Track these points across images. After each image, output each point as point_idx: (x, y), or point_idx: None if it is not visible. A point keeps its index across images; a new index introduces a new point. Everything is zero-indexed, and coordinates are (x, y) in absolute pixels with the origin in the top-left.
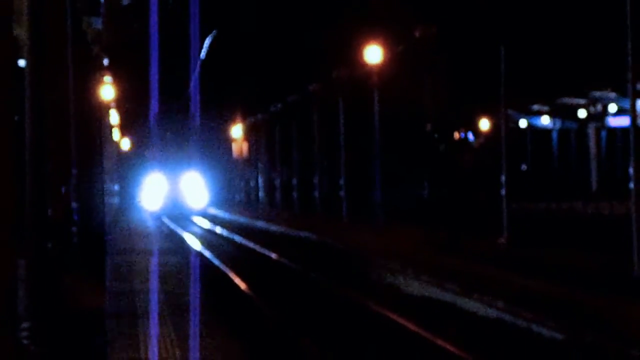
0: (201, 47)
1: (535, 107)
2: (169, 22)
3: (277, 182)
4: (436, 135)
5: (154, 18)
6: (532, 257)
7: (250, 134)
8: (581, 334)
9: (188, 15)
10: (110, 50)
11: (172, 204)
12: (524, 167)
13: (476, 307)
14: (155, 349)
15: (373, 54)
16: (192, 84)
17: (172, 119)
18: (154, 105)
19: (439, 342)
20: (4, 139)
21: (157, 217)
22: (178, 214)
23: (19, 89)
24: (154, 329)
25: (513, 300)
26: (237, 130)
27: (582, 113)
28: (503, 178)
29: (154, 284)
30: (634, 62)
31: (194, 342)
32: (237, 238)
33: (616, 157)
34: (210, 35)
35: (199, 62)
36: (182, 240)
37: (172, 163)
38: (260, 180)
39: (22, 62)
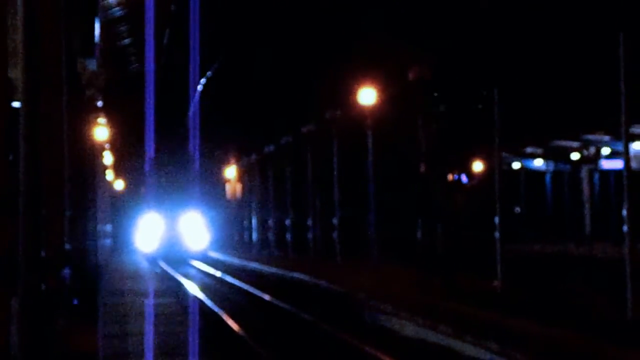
0: (196, 88)
1: (529, 149)
2: (164, 62)
3: (272, 223)
4: (429, 167)
5: (149, 60)
6: (527, 300)
7: (243, 174)
8: None
9: (182, 57)
10: (104, 91)
11: (169, 246)
12: (517, 209)
13: (470, 349)
14: None
15: (367, 95)
16: (190, 124)
17: (170, 159)
18: (149, 147)
19: None
20: None
21: (153, 260)
22: (176, 256)
23: (14, 129)
24: None
25: (507, 343)
26: (230, 172)
27: (575, 156)
28: (497, 220)
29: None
30: (627, 106)
31: None
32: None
33: (610, 200)
34: (204, 78)
35: (197, 102)
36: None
37: (169, 203)
38: (253, 221)
39: (16, 104)
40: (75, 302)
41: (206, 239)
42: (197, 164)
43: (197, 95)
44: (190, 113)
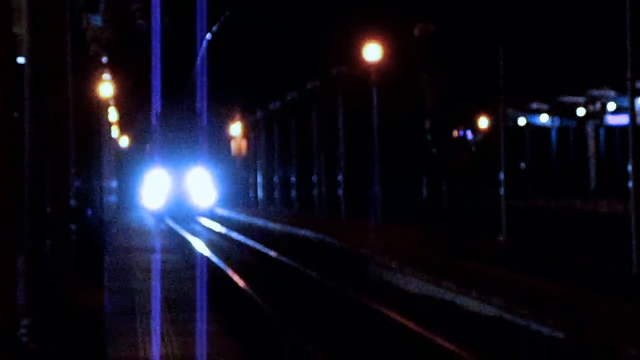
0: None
1: (534, 105)
2: (170, 18)
3: (277, 180)
4: (429, 137)
5: (156, 15)
6: (531, 255)
7: (248, 131)
8: (580, 333)
9: (188, 12)
10: (109, 47)
11: (176, 203)
12: (522, 165)
13: (474, 304)
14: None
15: (372, 52)
16: (198, 81)
17: (177, 115)
18: (156, 103)
19: (437, 339)
20: (3, 137)
21: (159, 217)
22: (182, 213)
23: (18, 86)
24: (152, 326)
25: (511, 298)
26: (236, 128)
27: (580, 111)
28: (502, 176)
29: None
30: (633, 60)
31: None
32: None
33: (615, 156)
34: (209, 32)
35: (204, 57)
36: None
37: (176, 159)
38: (259, 179)
39: (21, 60)
40: (81, 258)
41: (213, 195)
42: (204, 120)
43: (203, 50)
44: (197, 68)
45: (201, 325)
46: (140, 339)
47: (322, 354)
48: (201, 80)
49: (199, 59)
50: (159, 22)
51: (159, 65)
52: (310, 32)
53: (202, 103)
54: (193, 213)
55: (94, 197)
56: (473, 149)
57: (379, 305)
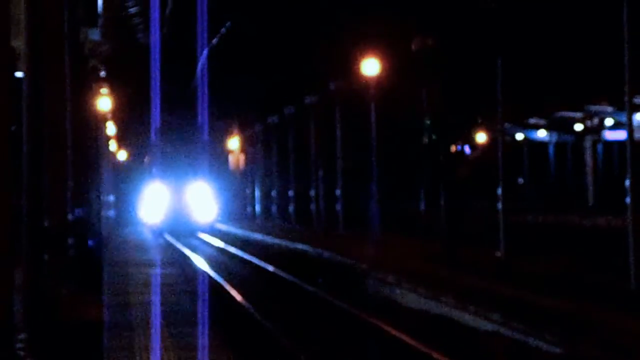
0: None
1: (532, 120)
2: (169, 31)
3: (275, 194)
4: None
5: (155, 29)
6: (529, 270)
7: (246, 145)
8: (578, 348)
9: (187, 26)
10: (107, 61)
11: (175, 218)
12: (520, 180)
13: (471, 319)
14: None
15: (370, 66)
16: (198, 94)
17: (177, 128)
18: (155, 117)
19: (434, 354)
20: (1, 150)
21: (158, 233)
22: (182, 229)
23: (16, 100)
24: (150, 341)
25: (509, 313)
26: (234, 142)
27: (578, 127)
28: (500, 191)
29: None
30: (630, 76)
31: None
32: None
33: (613, 171)
34: (206, 47)
35: (205, 69)
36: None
37: (176, 174)
38: (256, 193)
39: (19, 74)
40: (79, 271)
41: (214, 210)
42: (205, 134)
43: (204, 63)
44: (197, 80)
45: (200, 339)
46: (138, 353)
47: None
48: (202, 94)
49: (199, 71)
50: (158, 37)
51: (158, 79)
52: (309, 47)
53: (202, 116)
54: (193, 228)
55: (92, 211)
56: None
57: (376, 319)
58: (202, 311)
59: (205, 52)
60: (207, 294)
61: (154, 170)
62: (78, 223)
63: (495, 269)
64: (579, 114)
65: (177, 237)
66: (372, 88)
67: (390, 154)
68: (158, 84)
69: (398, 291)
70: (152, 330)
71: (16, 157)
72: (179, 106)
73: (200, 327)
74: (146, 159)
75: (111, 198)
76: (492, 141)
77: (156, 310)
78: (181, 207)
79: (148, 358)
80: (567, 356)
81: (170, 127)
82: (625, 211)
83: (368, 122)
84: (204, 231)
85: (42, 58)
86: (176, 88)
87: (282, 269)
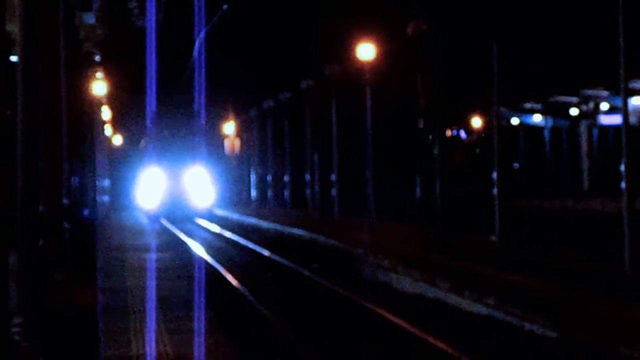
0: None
1: (528, 105)
2: (165, 15)
3: (270, 179)
4: (430, 137)
5: (151, 13)
6: (523, 255)
7: (242, 130)
8: (572, 333)
9: (181, 10)
10: (102, 46)
11: (173, 203)
12: (516, 165)
13: (466, 304)
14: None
15: (365, 51)
16: (195, 78)
17: (173, 113)
18: (151, 101)
19: (430, 338)
20: None
21: (155, 218)
22: (180, 214)
23: (11, 84)
24: (146, 324)
25: (503, 297)
26: (229, 127)
27: (574, 111)
28: (495, 176)
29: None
30: (625, 60)
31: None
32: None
33: (608, 155)
34: (207, 26)
35: (202, 53)
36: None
37: (172, 157)
38: (252, 178)
39: (14, 58)
40: (74, 256)
41: (212, 195)
42: (202, 118)
43: (202, 47)
44: (194, 63)
45: (195, 323)
46: (134, 337)
47: (313, 352)
48: (199, 78)
49: (196, 54)
50: (154, 20)
51: (154, 63)
52: (304, 31)
53: (199, 101)
54: (190, 213)
55: (87, 196)
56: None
57: (371, 303)
58: (197, 295)
59: (202, 34)
60: (202, 279)
61: (150, 154)
62: (73, 207)
63: (490, 254)
64: (574, 99)
65: (173, 222)
66: (368, 73)
67: (385, 138)
68: (154, 68)
69: (393, 276)
70: (147, 314)
71: (11, 142)
72: (174, 90)
73: (194, 311)
74: (142, 144)
75: (106, 183)
76: (487, 126)
77: (150, 294)
78: (178, 192)
79: (143, 341)
80: (562, 340)
81: (167, 111)
82: (620, 196)
83: (363, 107)
84: (201, 216)
85: (36, 42)
86: (171, 72)
87: (277, 254)
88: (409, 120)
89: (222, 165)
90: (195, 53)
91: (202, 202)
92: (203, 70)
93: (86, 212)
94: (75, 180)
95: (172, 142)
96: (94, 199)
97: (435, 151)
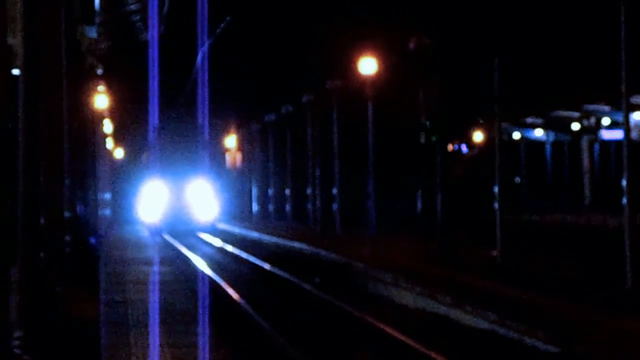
0: (200, 56)
1: (529, 119)
2: (167, 29)
3: (271, 193)
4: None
5: (153, 27)
6: (525, 269)
7: (243, 144)
8: (573, 347)
9: (185, 23)
10: (104, 59)
11: (175, 217)
12: (517, 179)
13: (467, 318)
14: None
15: (367, 65)
16: (198, 91)
17: (176, 126)
18: (154, 115)
19: (432, 353)
20: None
21: (156, 232)
22: (182, 229)
23: (13, 97)
24: (147, 338)
25: (505, 312)
26: (230, 141)
27: (575, 126)
28: (496, 190)
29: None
30: (627, 76)
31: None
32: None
33: (609, 170)
34: (210, 38)
35: (205, 65)
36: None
37: (175, 171)
38: (253, 192)
39: (16, 71)
40: (75, 269)
41: (216, 209)
42: (205, 131)
43: (204, 61)
44: (197, 75)
45: (196, 337)
46: (135, 350)
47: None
48: (202, 90)
49: (199, 63)
50: (156, 33)
51: (156, 76)
52: (306, 45)
53: (202, 114)
54: (193, 228)
55: (88, 208)
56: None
57: (373, 318)
58: (199, 309)
59: (206, 46)
60: (202, 292)
61: (152, 168)
62: (74, 221)
63: (491, 268)
64: (576, 114)
65: (175, 236)
66: (369, 87)
67: (387, 153)
68: (156, 81)
69: (394, 290)
70: (148, 327)
71: (13, 155)
72: (176, 104)
73: (196, 325)
74: (144, 157)
75: (107, 196)
76: (489, 140)
77: (152, 307)
78: (181, 206)
79: (145, 355)
80: (564, 355)
81: (170, 125)
82: (621, 211)
83: (365, 121)
84: (204, 231)
85: (39, 56)
86: (173, 86)
87: (278, 268)
88: (410, 135)
89: (223, 178)
90: (198, 62)
91: (206, 216)
92: (206, 81)
93: (93, 240)
94: (80, 209)
95: (175, 155)
96: (95, 211)
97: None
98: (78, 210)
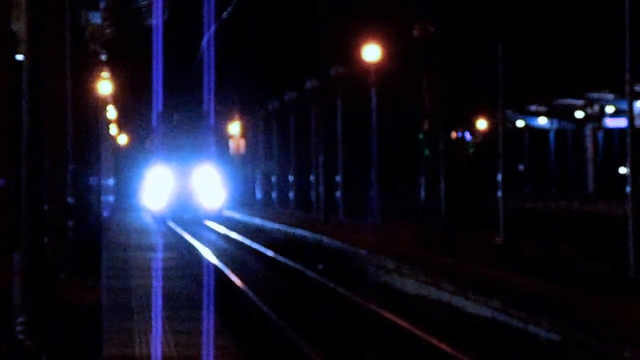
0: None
1: (533, 107)
2: (172, 15)
3: (275, 180)
4: (421, 137)
5: (158, 12)
6: (528, 257)
7: (247, 130)
8: (575, 335)
9: (190, 9)
10: (108, 45)
11: (180, 204)
12: (521, 167)
13: (470, 305)
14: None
15: (371, 52)
16: (204, 77)
17: (181, 112)
18: (158, 101)
19: (433, 340)
20: (1, 134)
21: (161, 220)
22: (188, 216)
23: (17, 83)
24: (150, 324)
25: (507, 300)
26: (234, 127)
27: (579, 114)
28: (500, 177)
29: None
30: (631, 64)
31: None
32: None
33: (613, 158)
34: (208, 31)
35: (213, 50)
36: None
37: (182, 157)
38: (257, 179)
39: (19, 57)
40: (78, 255)
41: (222, 196)
42: (211, 118)
43: (210, 45)
44: (203, 58)
45: (199, 323)
46: (138, 336)
47: (317, 352)
48: (208, 75)
49: (204, 50)
50: (161, 18)
51: (160, 61)
52: (310, 32)
53: (209, 99)
54: (199, 216)
55: (92, 195)
56: (471, 150)
57: (375, 305)
58: (202, 295)
59: (212, 30)
60: (205, 279)
61: (157, 154)
62: (78, 207)
63: (495, 255)
64: (579, 101)
65: (180, 224)
66: (373, 74)
67: (391, 140)
68: (160, 67)
69: (397, 277)
70: (151, 314)
71: (16, 141)
72: (181, 90)
73: (198, 311)
74: (148, 143)
75: (111, 183)
76: (492, 128)
77: (155, 293)
78: (187, 193)
79: (147, 341)
80: (566, 343)
81: (176, 110)
82: (624, 199)
83: (369, 108)
84: (211, 219)
85: (42, 41)
86: (177, 72)
87: (282, 254)
88: (414, 122)
89: (227, 165)
90: (204, 45)
91: (212, 204)
92: (212, 66)
93: (96, 226)
94: (84, 195)
95: (180, 140)
96: (98, 197)
97: (426, 152)
98: (81, 197)
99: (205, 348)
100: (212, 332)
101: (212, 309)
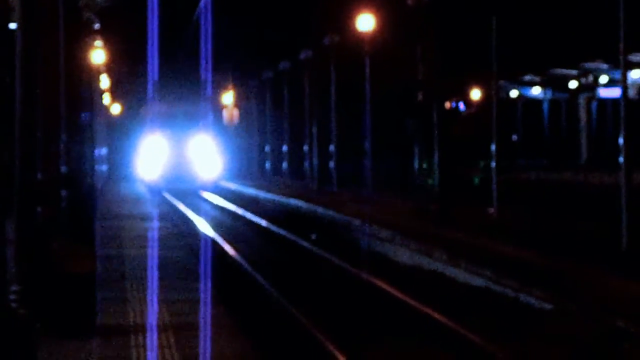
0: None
1: (527, 77)
2: None
3: (268, 150)
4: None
5: None
6: (521, 227)
7: (241, 100)
8: (567, 305)
9: None
10: (101, 13)
11: (176, 174)
12: (514, 137)
13: (461, 274)
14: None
15: (365, 21)
16: (201, 46)
17: (177, 82)
18: (153, 70)
19: (426, 309)
20: None
21: (156, 190)
22: (183, 186)
23: (10, 51)
24: (143, 293)
25: (500, 270)
26: (228, 97)
27: (573, 84)
28: (493, 148)
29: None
30: (625, 33)
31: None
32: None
33: (606, 128)
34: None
35: (209, 21)
36: None
37: (177, 126)
38: (250, 149)
39: (13, 25)
40: (71, 224)
41: (219, 166)
42: (208, 87)
43: (207, 12)
44: (200, 32)
45: (193, 292)
46: (130, 304)
47: (311, 321)
48: (205, 42)
49: (200, 15)
50: None
51: (155, 31)
52: (303, 1)
53: (206, 67)
54: (195, 186)
55: (85, 164)
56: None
57: (368, 274)
58: (194, 264)
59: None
60: (199, 248)
61: (152, 123)
62: (71, 176)
63: (488, 226)
64: (573, 71)
65: (174, 194)
66: (367, 44)
67: (384, 110)
68: (156, 35)
69: (390, 246)
70: (144, 283)
71: (9, 110)
72: (176, 59)
73: (191, 280)
74: (143, 111)
75: (104, 152)
76: (486, 98)
77: (148, 262)
78: (182, 163)
79: (140, 309)
80: (558, 313)
81: (172, 79)
82: (618, 169)
83: (363, 78)
84: (206, 189)
85: (35, 10)
86: (172, 41)
87: (275, 224)
88: (408, 92)
89: (221, 135)
90: (201, 8)
91: (208, 174)
92: (210, 34)
93: (89, 196)
94: (77, 164)
95: (175, 109)
96: (92, 166)
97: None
98: (74, 166)
99: (196, 315)
100: (202, 300)
101: (205, 278)
